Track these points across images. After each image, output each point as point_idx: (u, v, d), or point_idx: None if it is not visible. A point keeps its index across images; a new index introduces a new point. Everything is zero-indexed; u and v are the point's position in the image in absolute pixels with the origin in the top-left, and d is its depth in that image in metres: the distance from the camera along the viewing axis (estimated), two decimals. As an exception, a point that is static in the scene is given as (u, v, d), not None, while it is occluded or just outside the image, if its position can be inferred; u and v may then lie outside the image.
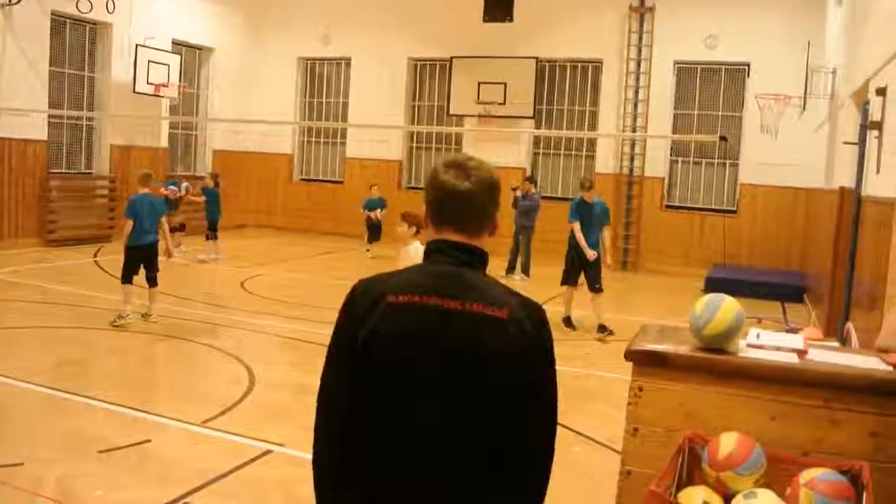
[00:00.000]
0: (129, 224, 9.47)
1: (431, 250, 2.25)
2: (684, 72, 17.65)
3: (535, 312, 2.17)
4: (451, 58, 18.85)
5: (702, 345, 3.66)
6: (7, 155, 14.86)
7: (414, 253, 6.55)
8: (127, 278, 9.61)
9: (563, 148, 18.87)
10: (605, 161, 17.92)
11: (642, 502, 3.05)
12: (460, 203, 2.21)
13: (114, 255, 10.95)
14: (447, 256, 2.21)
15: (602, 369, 8.31)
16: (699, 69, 17.51)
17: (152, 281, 9.75)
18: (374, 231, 16.96)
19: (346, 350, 2.17)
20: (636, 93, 17.66)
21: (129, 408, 6.61)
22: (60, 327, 9.36)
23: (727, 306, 3.60)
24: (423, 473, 2.07)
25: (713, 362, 3.57)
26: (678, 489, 3.24)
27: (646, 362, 3.66)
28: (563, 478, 5.63)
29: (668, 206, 17.59)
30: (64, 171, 16.53)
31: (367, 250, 16.69)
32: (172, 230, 15.36)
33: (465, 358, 2.06)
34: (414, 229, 6.73)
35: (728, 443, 3.20)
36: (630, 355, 3.72)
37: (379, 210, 16.90)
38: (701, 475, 3.32)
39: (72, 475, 5.23)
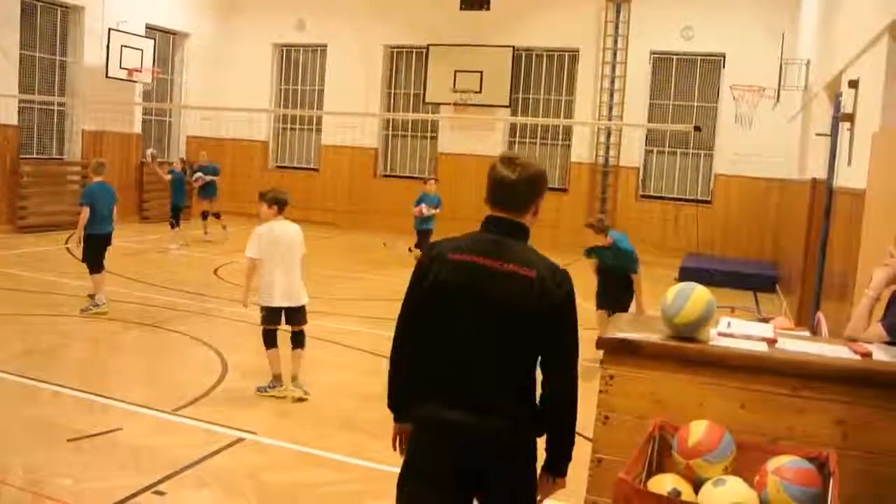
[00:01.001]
0: (86, 212, 9.37)
1: (485, 223, 3.06)
2: (660, 62, 17.71)
3: (557, 274, 2.99)
4: (428, 45, 18.80)
5: (673, 333, 3.67)
6: (-24, 140, 14.66)
7: (265, 231, 6.56)
8: (96, 267, 9.51)
9: (538, 136, 18.89)
10: (581, 150, 17.96)
11: (612, 490, 3.06)
12: (506, 189, 2.96)
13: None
14: (494, 228, 3.01)
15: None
16: (675, 60, 17.58)
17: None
18: (424, 236, 14.39)
19: (418, 287, 3.08)
20: (612, 82, 17.70)
21: (100, 395, 6.55)
22: (30, 314, 9.25)
23: (698, 295, 3.60)
24: (458, 364, 2.97)
25: (684, 350, 3.57)
26: (648, 477, 3.25)
27: (617, 350, 3.66)
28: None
29: (642, 196, 17.68)
30: (35, 156, 16.32)
31: (410, 249, 15.10)
32: (205, 216, 15.39)
33: (498, 300, 2.91)
34: (275, 209, 6.59)
35: (698, 430, 3.21)
36: (601, 343, 3.72)
37: (431, 207, 14.60)
38: (671, 463, 3.33)
39: (40, 464, 5.17)
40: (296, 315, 6.76)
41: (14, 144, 15.43)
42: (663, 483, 3.16)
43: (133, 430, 5.90)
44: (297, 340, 6.80)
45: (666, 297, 3.69)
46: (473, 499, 3.08)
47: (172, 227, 15.08)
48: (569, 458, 3.31)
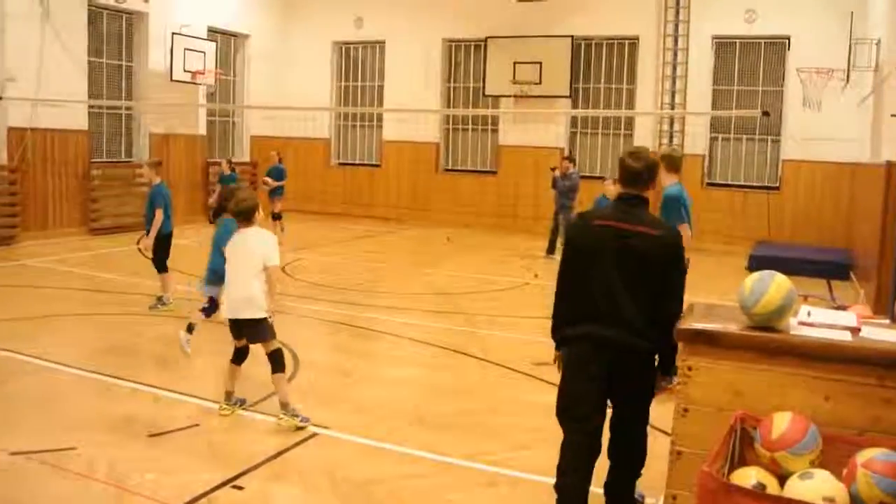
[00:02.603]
0: (161, 213, 9.62)
1: (618, 198, 4.32)
2: (723, 47, 17.36)
3: (672, 232, 4.28)
4: (486, 38, 18.75)
5: (752, 323, 3.61)
6: (50, 146, 15.09)
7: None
8: (165, 266, 9.80)
9: (600, 127, 18.71)
10: (644, 139, 17.71)
11: (694, 483, 3.02)
12: (633, 175, 4.27)
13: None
14: (626, 201, 4.27)
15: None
16: (738, 44, 17.22)
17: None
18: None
19: (571, 249, 4.36)
20: (674, 69, 17.42)
21: (177, 392, 6.70)
22: (106, 314, 9.50)
23: (778, 284, 3.54)
24: (605, 298, 4.13)
25: (764, 340, 3.51)
26: (730, 470, 3.20)
27: (695, 341, 3.62)
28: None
29: (708, 184, 17.37)
30: (105, 160, 16.74)
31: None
32: (275, 218, 15.64)
33: (632, 251, 4.09)
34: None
35: (781, 423, 3.15)
36: (679, 334, 3.68)
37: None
38: (753, 456, 3.28)
39: (123, 459, 5.31)
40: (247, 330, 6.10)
41: (85, 149, 15.85)
42: (747, 476, 3.11)
43: (210, 425, 6.02)
44: (270, 362, 6.07)
45: (744, 286, 3.62)
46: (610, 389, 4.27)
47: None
48: (673, 362, 4.11)
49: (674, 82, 17.42)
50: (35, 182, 14.88)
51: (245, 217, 6.03)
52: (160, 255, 9.87)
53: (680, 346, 3.68)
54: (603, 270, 4.12)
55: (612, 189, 12.38)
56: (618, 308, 4.08)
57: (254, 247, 5.97)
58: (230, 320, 6.08)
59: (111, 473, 5.10)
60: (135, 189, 16.97)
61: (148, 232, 9.70)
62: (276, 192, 15.89)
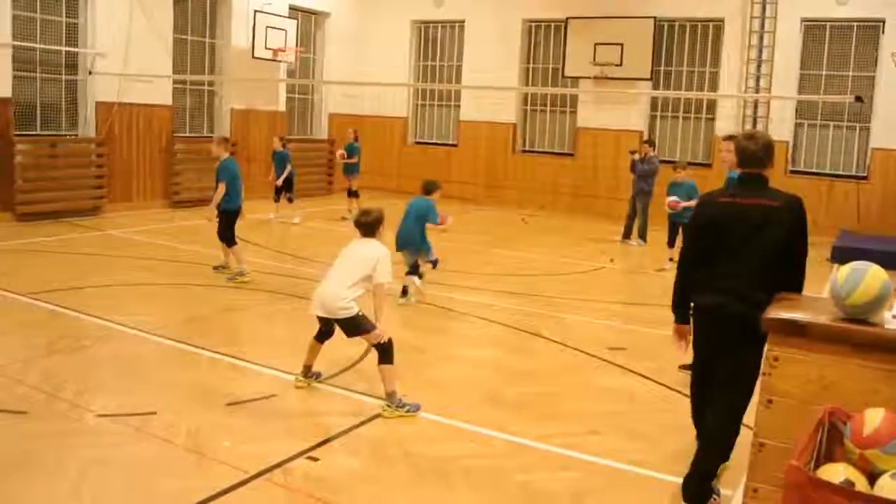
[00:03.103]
0: (223, 187, 9.96)
1: (740, 176, 4.62)
2: (812, 30, 16.80)
3: (796, 202, 4.44)
4: (567, 18, 18.51)
5: (843, 315, 3.49)
6: (135, 120, 15.47)
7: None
8: (233, 240, 10.14)
9: (681, 110, 18.32)
10: (726, 124, 17.29)
11: (779, 476, 2.94)
12: (751, 156, 4.56)
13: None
14: (746, 179, 4.57)
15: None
16: (828, 27, 16.63)
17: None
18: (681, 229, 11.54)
19: (695, 225, 4.71)
20: (760, 52, 16.93)
21: (254, 363, 6.82)
22: (187, 284, 9.73)
23: (873, 275, 3.41)
24: (728, 269, 4.42)
25: (856, 333, 3.39)
26: (816, 465, 3.11)
27: (783, 331, 3.52)
28: (685, 446, 5.52)
29: (792, 172, 16.87)
30: (187, 134, 17.08)
31: (671, 260, 12.15)
32: (352, 195, 15.79)
33: (754, 225, 4.37)
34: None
35: (874, 419, 3.04)
36: (767, 324, 3.58)
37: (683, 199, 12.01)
38: (841, 452, 3.17)
39: (202, 426, 5.44)
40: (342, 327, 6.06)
41: (169, 123, 16.20)
42: (835, 472, 3.01)
43: (286, 397, 6.13)
44: (378, 352, 6.00)
45: (837, 276, 3.51)
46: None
47: (290, 201, 15.31)
48: None
49: (759, 66, 16.94)
50: (121, 155, 15.28)
51: (368, 230, 6.05)
52: (227, 231, 10.15)
53: (768, 335, 3.58)
54: (727, 244, 4.43)
55: (682, 175, 12.15)
56: (740, 279, 4.34)
57: (367, 256, 5.90)
58: (318, 316, 6.05)
59: (190, 439, 5.23)
60: (215, 164, 17.27)
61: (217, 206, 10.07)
62: (351, 170, 16.03)
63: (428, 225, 9.55)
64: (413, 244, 9.39)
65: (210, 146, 10.89)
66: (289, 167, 15.21)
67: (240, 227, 10.45)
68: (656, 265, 12.44)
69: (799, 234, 4.38)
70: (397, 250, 8.89)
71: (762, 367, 3.63)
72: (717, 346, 4.47)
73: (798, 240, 4.37)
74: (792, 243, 4.34)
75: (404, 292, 9.26)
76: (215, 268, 10.39)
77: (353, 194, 16.00)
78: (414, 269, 9.40)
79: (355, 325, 5.87)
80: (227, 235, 10.16)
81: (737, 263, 4.36)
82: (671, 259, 12.18)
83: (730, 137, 7.18)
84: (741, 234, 4.38)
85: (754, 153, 4.53)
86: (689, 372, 6.99)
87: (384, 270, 5.91)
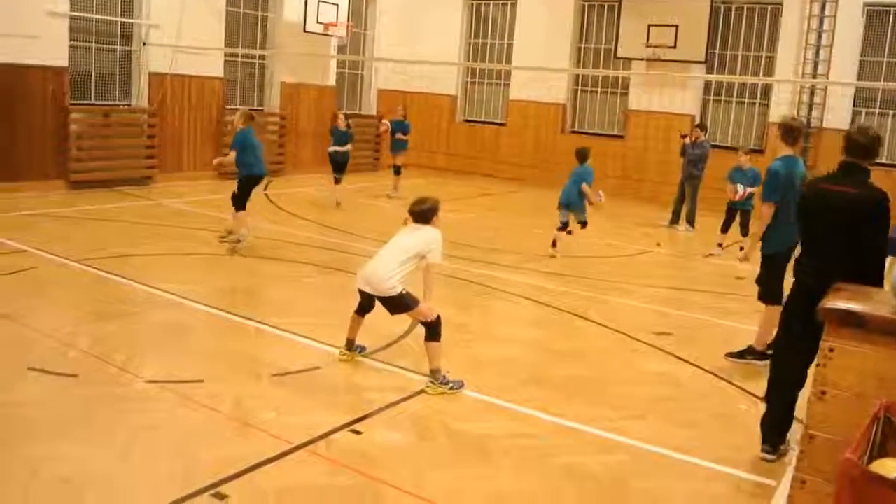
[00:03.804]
0: (234, 154, 10.27)
1: (842, 164, 4.90)
2: (875, 15, 16.34)
3: (877, 195, 4.72)
4: (621, -1, 18.25)
5: (904, 308, 3.40)
6: (187, 91, 15.62)
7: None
8: (243, 205, 10.35)
9: (735, 95, 17.99)
10: (780, 110, 16.94)
11: (832, 470, 2.89)
12: (858, 148, 4.85)
13: (280, 189, 11.24)
14: (848, 168, 4.87)
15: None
16: (892, 12, 16.17)
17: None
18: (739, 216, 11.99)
19: (802, 209, 5.11)
20: (818, 38, 16.53)
21: (299, 335, 6.87)
22: (234, 255, 9.81)
23: (937, 267, 3.33)
24: (822, 249, 4.89)
25: (917, 327, 3.30)
26: (870, 460, 3.04)
27: (840, 322, 3.44)
28: (729, 434, 5.47)
29: (847, 160, 16.46)
30: (238, 106, 17.18)
31: (720, 246, 12.19)
32: (396, 172, 15.76)
33: (847, 211, 4.73)
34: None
35: (932, 414, 2.96)
36: (824, 314, 3.50)
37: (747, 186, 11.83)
38: (895, 447, 3.10)
39: (246, 396, 5.50)
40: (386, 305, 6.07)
41: (220, 95, 16.33)
42: (888, 467, 2.94)
43: (330, 370, 6.16)
44: (425, 329, 6.02)
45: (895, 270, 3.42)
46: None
47: (337, 182, 14.49)
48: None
49: (817, 52, 16.55)
50: (172, 126, 15.45)
51: (422, 217, 6.04)
52: (240, 195, 10.35)
53: (825, 326, 3.50)
54: (822, 227, 4.91)
55: (745, 160, 11.87)
56: (827, 261, 4.76)
57: (418, 239, 5.92)
58: (360, 290, 6.07)
59: (235, 408, 5.29)
60: (264, 136, 17.39)
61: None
62: (400, 147, 15.98)
63: (584, 188, 11.16)
64: (572, 204, 11.17)
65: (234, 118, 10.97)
66: (349, 147, 14.74)
67: (285, 199, 10.50)
68: (704, 251, 12.27)
69: (875, 227, 4.68)
70: (558, 208, 11.24)
71: (817, 358, 3.55)
72: (805, 323, 4.54)
73: (873, 231, 4.68)
74: (868, 234, 4.66)
75: (554, 244, 11.17)
76: (221, 237, 10.49)
77: (397, 171, 15.95)
78: (563, 226, 11.28)
79: (400, 304, 5.89)
80: (238, 198, 10.37)
81: (826, 247, 4.83)
82: (720, 245, 12.02)
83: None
84: (827, 219, 4.84)
85: (860, 145, 4.83)
86: (737, 360, 6.93)
87: (437, 252, 5.93)
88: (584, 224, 11.46)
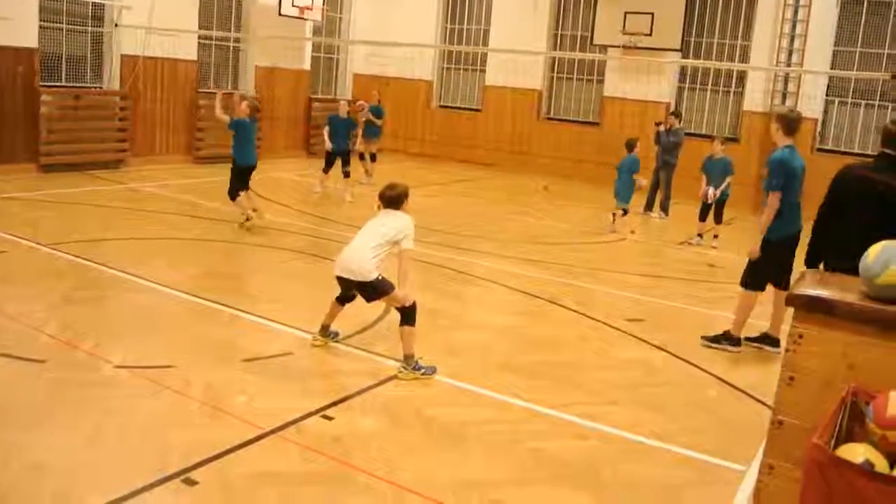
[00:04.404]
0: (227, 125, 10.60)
1: (879, 155, 5.31)
2: (849, 5, 16.44)
3: None
4: (598, -15, 18.23)
5: (873, 294, 3.42)
6: (160, 74, 15.44)
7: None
8: (236, 195, 10.53)
9: (710, 83, 18.06)
10: (755, 98, 17.05)
11: (800, 455, 2.91)
12: (888, 135, 5.22)
13: (255, 174, 11.09)
14: (885, 158, 5.20)
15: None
16: (866, 2, 16.28)
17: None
18: (714, 205, 11.98)
19: (835, 194, 5.40)
20: (793, 27, 16.63)
21: (272, 320, 6.83)
22: (208, 240, 9.75)
23: (905, 254, 3.34)
24: (859, 234, 4.31)
25: (885, 314, 3.32)
26: (836, 445, 3.07)
27: (808, 308, 3.45)
28: (699, 419, 5.51)
29: (819, 150, 16.62)
30: (211, 90, 17.02)
31: (699, 236, 12.23)
32: (370, 159, 15.63)
33: (883, 198, 5.07)
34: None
35: (898, 400, 2.99)
36: (791, 300, 3.52)
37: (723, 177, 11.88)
38: (862, 432, 3.12)
39: (218, 381, 5.46)
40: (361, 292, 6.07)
41: (193, 79, 16.16)
42: (854, 452, 2.97)
43: (303, 355, 6.14)
44: (400, 314, 6.02)
45: (867, 255, 3.45)
46: None
47: (347, 175, 13.80)
48: None
49: (791, 41, 16.65)
50: (144, 109, 15.28)
51: (393, 203, 6.03)
52: (234, 184, 10.47)
53: (792, 312, 3.52)
54: (859, 213, 5.12)
55: (719, 148, 11.93)
56: (863, 245, 4.54)
57: (391, 225, 5.90)
58: (338, 277, 6.02)
59: (206, 393, 5.25)
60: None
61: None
62: (373, 133, 15.82)
63: (634, 177, 12.20)
64: (623, 192, 12.24)
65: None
66: (354, 135, 14.29)
67: (260, 185, 10.46)
68: (678, 238, 12.35)
69: None
70: (616, 197, 12.46)
71: (786, 343, 3.58)
72: None
73: None
74: None
75: (618, 226, 12.42)
76: (241, 224, 10.45)
77: (372, 158, 15.79)
78: (624, 213, 12.41)
79: (376, 289, 5.86)
80: (231, 186, 10.50)
81: (863, 232, 4.72)
82: (700, 234, 12.11)
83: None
84: (866, 205, 5.11)
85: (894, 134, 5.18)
86: (711, 344, 7.00)
87: (410, 238, 5.92)
88: (625, 212, 12.39)
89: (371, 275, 5.78)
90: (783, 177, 6.75)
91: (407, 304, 5.89)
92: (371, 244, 5.83)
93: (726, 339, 7.08)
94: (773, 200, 6.77)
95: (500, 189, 16.61)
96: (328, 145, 13.79)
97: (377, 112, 15.77)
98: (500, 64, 19.51)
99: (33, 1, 13.13)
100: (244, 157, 10.45)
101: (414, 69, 20.56)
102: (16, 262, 8.06)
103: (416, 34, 19.68)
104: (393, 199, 6.04)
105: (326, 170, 13.94)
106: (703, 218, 12.08)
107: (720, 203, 11.94)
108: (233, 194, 10.47)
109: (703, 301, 8.86)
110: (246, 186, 10.55)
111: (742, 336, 7.16)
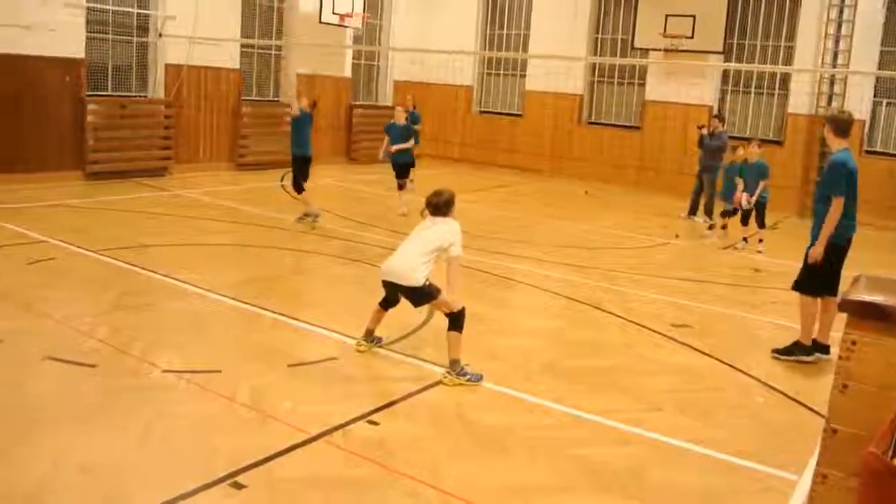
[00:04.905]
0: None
1: None
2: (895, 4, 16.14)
3: None
4: (638, -12, 18.10)
5: (929, 300, 3.35)
6: (203, 82, 15.65)
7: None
8: (301, 188, 11.31)
9: (753, 85, 17.82)
10: (800, 101, 16.79)
11: (855, 464, 2.85)
12: None
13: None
14: None
15: (793, 319, 7.85)
16: (915, 1, 15.96)
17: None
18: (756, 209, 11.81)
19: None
20: (839, 27, 16.35)
21: (315, 325, 6.87)
22: (250, 246, 9.84)
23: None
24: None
25: (942, 319, 3.25)
26: (894, 454, 3.00)
27: (862, 315, 3.38)
28: (746, 426, 5.43)
29: (867, 152, 16.32)
30: (254, 98, 17.22)
31: (745, 240, 12.17)
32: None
33: None
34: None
35: (957, 408, 2.92)
36: (845, 306, 3.45)
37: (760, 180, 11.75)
38: (920, 440, 3.05)
39: (264, 385, 5.51)
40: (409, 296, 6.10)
41: (237, 87, 16.35)
42: (912, 461, 2.90)
43: (347, 360, 6.16)
44: (448, 320, 6.01)
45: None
46: None
47: (401, 188, 13.09)
48: None
49: (837, 42, 16.37)
50: (188, 117, 15.49)
51: (439, 210, 6.05)
52: (296, 177, 11.22)
53: (845, 318, 3.46)
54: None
55: (756, 152, 11.78)
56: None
57: (438, 232, 5.94)
58: (385, 282, 6.06)
59: (252, 398, 5.29)
60: (281, 128, 17.40)
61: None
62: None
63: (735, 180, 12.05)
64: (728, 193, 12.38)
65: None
66: (412, 143, 13.20)
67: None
68: (721, 242, 12.21)
69: None
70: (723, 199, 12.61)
71: (839, 351, 3.51)
72: None
73: None
74: None
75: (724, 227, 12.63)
76: (298, 219, 11.12)
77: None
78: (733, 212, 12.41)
79: (424, 294, 5.90)
80: (294, 181, 11.32)
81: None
82: (745, 239, 11.97)
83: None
84: None
85: None
86: (785, 357, 6.84)
87: (458, 245, 5.95)
88: (730, 213, 12.53)
89: (420, 280, 5.80)
90: (844, 180, 6.64)
91: (455, 310, 5.89)
92: (419, 251, 5.86)
93: (798, 349, 6.90)
94: (838, 206, 6.62)
95: (541, 194, 16.56)
96: (383, 154, 13.27)
97: (413, 118, 15.79)
98: (540, 69, 19.46)
99: (80, 13, 13.39)
100: (299, 148, 10.98)
101: (454, 75, 20.59)
102: (64, 268, 8.20)
103: (456, 40, 19.73)
104: (440, 205, 6.05)
105: (402, 185, 13.02)
106: (745, 223, 11.95)
107: (760, 207, 11.78)
108: (297, 187, 11.09)
109: (749, 306, 8.74)
110: (306, 177, 11.07)
111: (812, 342, 6.98)
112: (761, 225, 11.84)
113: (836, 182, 6.65)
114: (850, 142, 6.87)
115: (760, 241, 11.82)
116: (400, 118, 13.23)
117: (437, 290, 5.89)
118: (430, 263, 5.87)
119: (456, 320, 5.90)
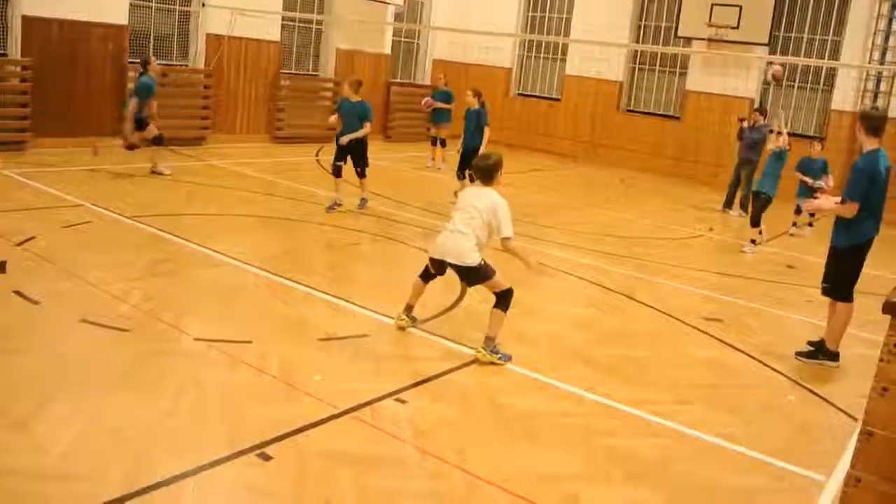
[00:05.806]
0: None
1: None
2: (950, 1, 15.77)
3: None
4: (685, -24, 17.83)
5: (975, 304, 3.27)
6: (244, 54, 15.68)
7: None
8: (363, 172, 10.90)
9: (797, 80, 17.53)
10: (844, 97, 16.50)
11: (891, 469, 2.80)
12: None
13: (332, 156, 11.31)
14: None
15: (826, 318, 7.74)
16: (967, -1, 15.59)
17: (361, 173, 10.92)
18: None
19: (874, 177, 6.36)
20: (889, 23, 16.01)
21: (347, 300, 6.89)
22: (285, 219, 9.87)
23: None
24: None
25: None
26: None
27: (906, 317, 3.32)
28: (775, 424, 5.38)
29: (911, 151, 16.00)
30: (293, 71, 17.23)
31: (794, 225, 13.06)
32: (440, 144, 15.66)
33: None
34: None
35: None
36: (888, 308, 3.39)
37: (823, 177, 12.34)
38: (960, 447, 3.00)
39: (294, 359, 5.53)
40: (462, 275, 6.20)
41: (276, 60, 16.37)
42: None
43: (378, 337, 6.17)
44: (496, 298, 6.04)
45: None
46: None
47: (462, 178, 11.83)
48: None
49: (886, 37, 16.04)
50: (227, 88, 15.54)
51: (486, 175, 6.03)
52: (335, 159, 10.77)
53: (889, 320, 3.39)
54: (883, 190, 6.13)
55: (818, 150, 11.98)
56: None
57: (484, 203, 5.92)
58: (433, 259, 6.08)
59: (282, 370, 5.32)
60: (318, 103, 17.44)
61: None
62: (442, 118, 15.74)
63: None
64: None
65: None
66: (486, 132, 11.97)
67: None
68: (757, 237, 12.05)
69: None
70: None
71: (880, 353, 3.45)
72: None
73: None
74: None
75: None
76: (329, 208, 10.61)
77: (442, 143, 15.73)
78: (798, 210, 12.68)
79: (479, 274, 5.94)
80: (355, 165, 10.91)
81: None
82: (795, 224, 12.73)
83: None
84: None
85: None
86: (808, 360, 6.73)
87: (505, 222, 5.93)
88: (798, 210, 12.65)
89: (476, 260, 5.86)
90: (864, 185, 6.44)
91: (504, 289, 5.94)
92: (471, 226, 5.89)
93: (824, 353, 6.78)
94: (851, 208, 6.46)
95: (576, 180, 16.46)
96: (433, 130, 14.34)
97: (446, 97, 15.70)
98: (580, 53, 19.28)
99: (125, -21, 13.46)
100: (341, 132, 10.68)
101: (494, 57, 20.46)
102: (100, 232, 8.28)
103: (496, 21, 19.57)
104: (486, 169, 6.04)
105: (461, 175, 11.86)
106: (798, 212, 12.67)
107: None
108: (335, 170, 10.72)
109: (782, 302, 8.63)
110: (343, 160, 10.69)
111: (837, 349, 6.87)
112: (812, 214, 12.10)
113: (856, 186, 6.46)
114: (882, 141, 6.62)
115: (810, 224, 12.65)
116: (472, 102, 12.15)
117: (493, 271, 5.93)
118: (480, 240, 5.93)
119: (503, 299, 5.93)
